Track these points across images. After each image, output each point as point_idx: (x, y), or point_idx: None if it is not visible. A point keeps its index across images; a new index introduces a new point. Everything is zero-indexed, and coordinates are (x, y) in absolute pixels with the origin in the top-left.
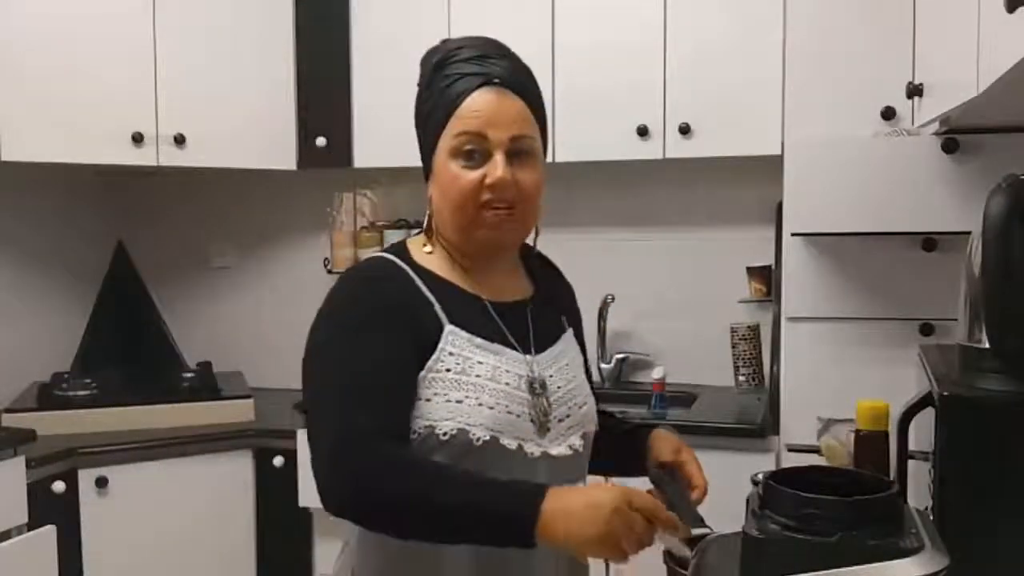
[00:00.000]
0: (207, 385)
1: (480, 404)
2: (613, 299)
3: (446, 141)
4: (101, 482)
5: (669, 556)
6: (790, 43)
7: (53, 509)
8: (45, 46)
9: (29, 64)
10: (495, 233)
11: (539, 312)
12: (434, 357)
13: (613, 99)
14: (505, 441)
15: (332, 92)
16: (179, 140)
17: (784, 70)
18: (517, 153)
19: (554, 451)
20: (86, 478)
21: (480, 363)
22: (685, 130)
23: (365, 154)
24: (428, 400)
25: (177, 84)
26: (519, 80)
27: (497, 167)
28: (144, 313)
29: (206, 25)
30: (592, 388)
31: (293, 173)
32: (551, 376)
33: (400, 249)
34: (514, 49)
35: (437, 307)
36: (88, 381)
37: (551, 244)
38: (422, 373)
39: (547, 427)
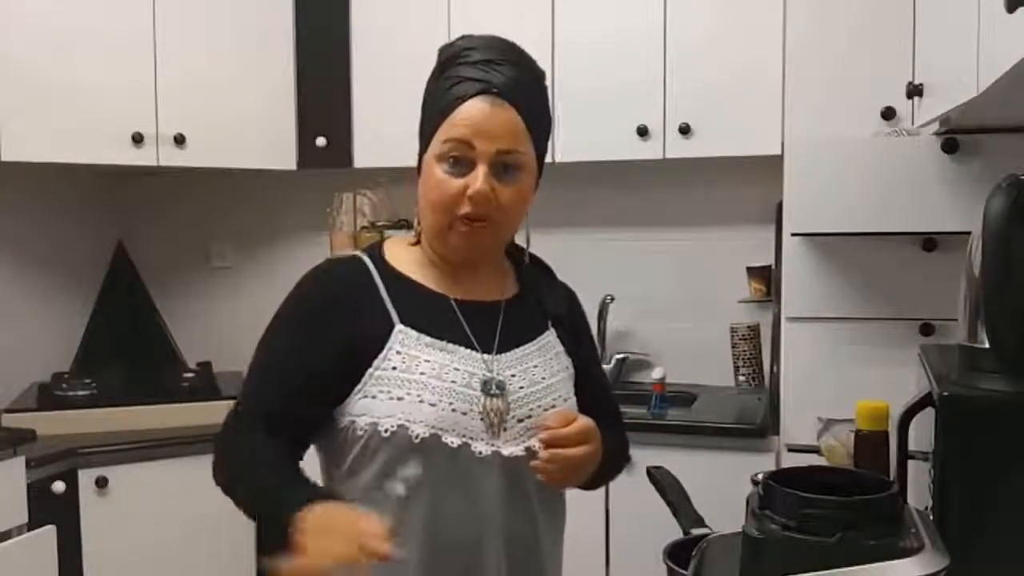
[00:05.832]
0: (207, 385)
1: (421, 401)
2: (613, 299)
3: (435, 145)
4: (101, 482)
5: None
6: (790, 43)
7: (53, 509)
8: (45, 46)
9: (29, 64)
10: (467, 243)
11: (515, 312)
12: (381, 355)
13: (613, 99)
14: (448, 439)
15: (332, 92)
16: (179, 140)
17: (784, 70)
18: (504, 166)
19: (506, 451)
20: (86, 478)
21: (427, 361)
22: (685, 130)
23: (365, 154)
24: (374, 397)
25: (177, 84)
26: (519, 90)
27: (478, 179)
28: (144, 313)
29: (206, 25)
30: (601, 393)
31: (293, 173)
32: (513, 376)
33: (376, 248)
34: None
35: (390, 307)
36: (88, 381)
37: (551, 244)
38: (369, 370)
39: (503, 427)
